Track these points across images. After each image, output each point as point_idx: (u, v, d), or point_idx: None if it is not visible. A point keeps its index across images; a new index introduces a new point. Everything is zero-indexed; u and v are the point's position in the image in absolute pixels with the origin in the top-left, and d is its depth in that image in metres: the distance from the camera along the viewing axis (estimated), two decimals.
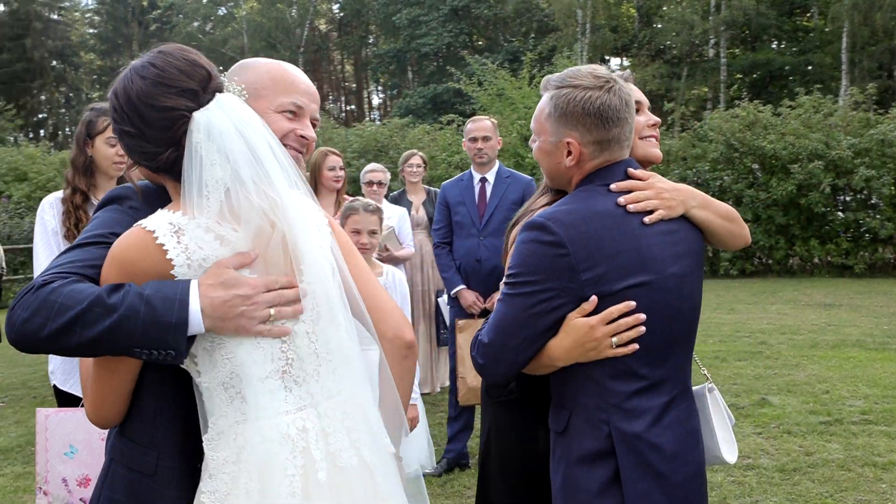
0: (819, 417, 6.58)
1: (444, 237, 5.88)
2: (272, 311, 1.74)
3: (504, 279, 2.16)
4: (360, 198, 4.51)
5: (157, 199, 1.91)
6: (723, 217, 2.37)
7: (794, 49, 33.47)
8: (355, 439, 1.83)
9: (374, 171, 7.09)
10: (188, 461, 1.84)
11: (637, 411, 2.09)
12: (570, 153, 2.19)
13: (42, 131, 47.03)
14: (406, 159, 7.83)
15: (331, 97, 53.56)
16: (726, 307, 13.13)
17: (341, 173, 5.92)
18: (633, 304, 2.07)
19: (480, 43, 41.16)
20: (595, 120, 2.15)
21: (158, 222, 1.75)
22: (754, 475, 5.38)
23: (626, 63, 37.13)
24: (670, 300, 2.15)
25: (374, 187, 6.99)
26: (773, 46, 34.69)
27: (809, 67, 31.58)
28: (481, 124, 5.82)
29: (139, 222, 1.76)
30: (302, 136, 2.09)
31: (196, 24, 46.25)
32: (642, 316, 2.07)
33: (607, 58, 36.95)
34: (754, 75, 33.41)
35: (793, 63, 31.89)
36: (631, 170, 2.22)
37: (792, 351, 9.29)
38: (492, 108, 21.17)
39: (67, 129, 47.10)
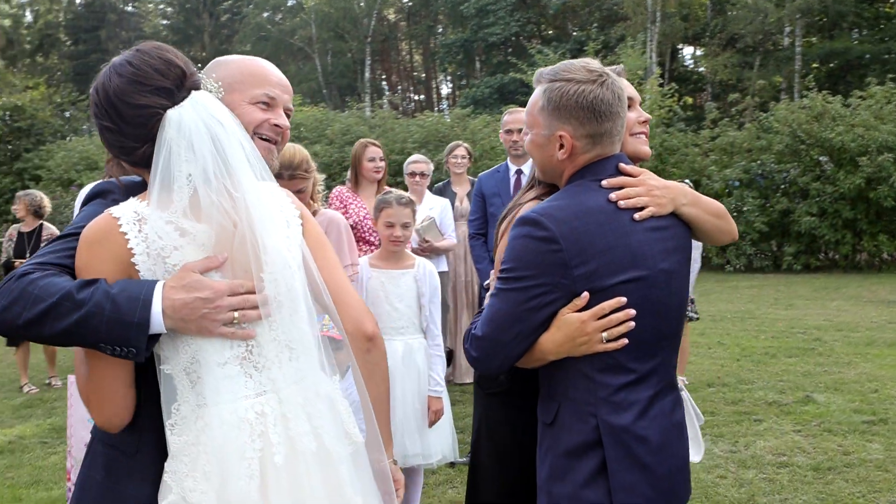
0: (863, 417, 6.45)
1: (479, 228, 5.92)
2: (236, 314, 1.81)
3: (497, 273, 2.20)
4: (394, 190, 4.57)
5: (139, 192, 1.98)
6: (712, 214, 2.38)
7: (875, 37, 32.39)
8: (317, 426, 1.87)
9: (417, 162, 7.15)
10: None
11: (624, 404, 2.12)
12: (562, 146, 2.21)
13: None
14: (450, 150, 7.87)
15: (399, 87, 53.83)
16: (784, 303, 12.88)
17: (381, 164, 6.01)
18: (623, 299, 2.10)
19: (550, 32, 40.86)
20: (588, 113, 2.16)
21: (124, 210, 1.83)
22: (787, 473, 5.30)
23: (698, 53, 36.50)
24: (660, 296, 2.18)
25: (417, 178, 7.05)
26: (852, 34, 33.64)
27: (887, 56, 30.55)
28: (517, 116, 5.83)
29: (109, 209, 1.84)
30: (276, 125, 2.17)
31: (266, 14, 46.85)
32: (632, 311, 2.10)
33: (679, 46, 36.37)
34: (831, 64, 32.45)
35: (872, 52, 30.85)
36: (622, 165, 2.24)
37: (846, 348, 9.09)
38: None
39: None
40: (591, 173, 2.22)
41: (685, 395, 2.46)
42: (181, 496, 1.77)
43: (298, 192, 3.91)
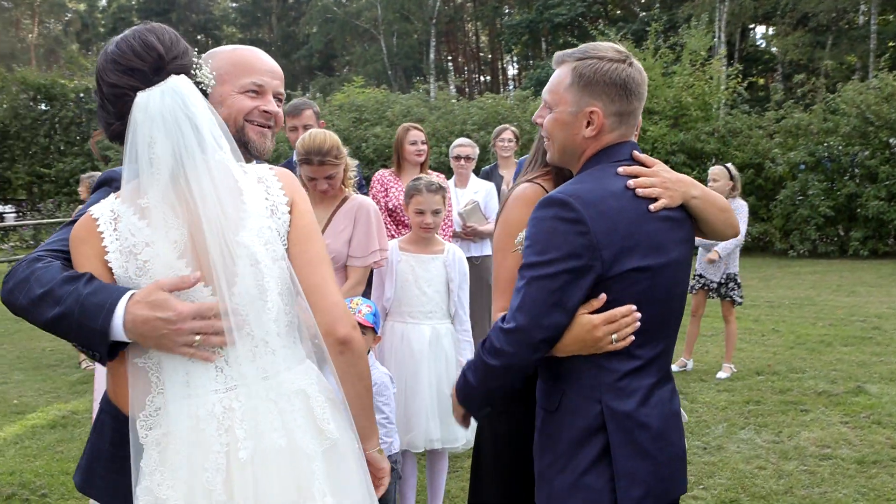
0: None
1: None
2: (197, 338, 1.81)
3: (525, 259, 2.14)
4: (424, 176, 4.57)
5: None
6: (719, 208, 2.36)
7: None
8: (288, 421, 1.87)
9: (462, 145, 7.15)
10: None
11: (628, 390, 2.12)
12: (589, 124, 2.19)
13: None
14: (498, 133, 7.83)
15: (465, 68, 53.70)
16: (847, 289, 12.55)
17: (423, 147, 6.05)
18: (633, 308, 2.09)
19: (618, 13, 40.31)
20: (620, 90, 2.16)
21: (102, 209, 1.88)
22: (829, 465, 5.19)
23: (770, 32, 35.61)
24: (669, 284, 2.18)
25: (462, 161, 7.05)
26: None
27: None
28: None
29: (90, 209, 1.90)
30: (265, 112, 2.24)
31: None
32: (638, 315, 2.10)
33: (751, 26, 35.56)
34: None
35: None
36: (636, 153, 2.23)
37: None
38: None
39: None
40: (608, 157, 2.21)
41: None
42: (149, 488, 1.81)
43: (328, 178, 3.96)
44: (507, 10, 46.35)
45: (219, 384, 1.86)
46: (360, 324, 3.62)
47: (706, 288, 7.68)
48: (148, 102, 1.81)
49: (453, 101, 22.74)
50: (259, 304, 1.88)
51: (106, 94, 1.88)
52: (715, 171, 7.59)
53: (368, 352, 3.71)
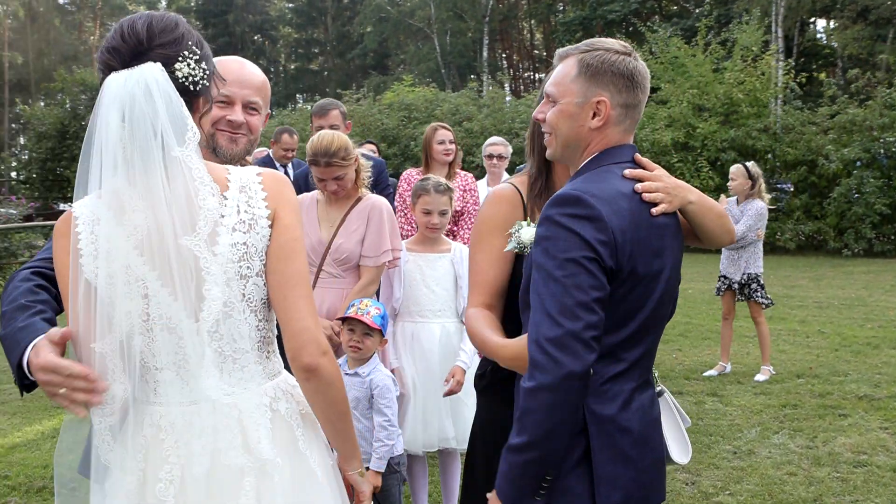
0: None
1: None
2: (62, 390, 1.76)
3: (540, 259, 2.02)
4: (433, 176, 4.55)
5: None
6: (716, 214, 2.31)
7: None
8: (252, 438, 1.85)
9: (495, 144, 7.11)
10: None
11: (609, 394, 2.06)
12: (596, 115, 2.13)
13: None
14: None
15: (520, 66, 53.49)
16: None
17: (451, 147, 6.03)
18: None
19: (674, 8, 39.75)
20: (627, 81, 2.13)
21: (83, 209, 1.83)
22: (863, 473, 5.04)
23: (832, 25, 34.81)
24: (662, 290, 2.13)
25: (495, 161, 7.02)
26: None
27: None
28: None
29: (73, 205, 1.86)
30: (230, 121, 2.33)
31: None
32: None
33: (811, 20, 34.80)
34: None
35: None
36: (637, 156, 2.19)
37: None
38: (664, 77, 20.51)
39: None
40: (611, 158, 2.16)
41: (667, 396, 2.38)
42: (105, 486, 1.82)
43: (337, 179, 3.96)
44: (560, 7, 46.03)
45: (183, 397, 1.84)
46: (368, 326, 3.60)
47: (732, 289, 7.54)
48: (110, 83, 1.76)
49: (507, 98, 22.69)
50: (229, 319, 1.84)
51: (98, 70, 1.86)
52: (733, 170, 7.46)
53: (372, 355, 3.70)
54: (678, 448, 2.35)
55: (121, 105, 1.74)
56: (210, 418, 1.83)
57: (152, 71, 1.78)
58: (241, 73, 2.37)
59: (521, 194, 2.55)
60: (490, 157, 7.03)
